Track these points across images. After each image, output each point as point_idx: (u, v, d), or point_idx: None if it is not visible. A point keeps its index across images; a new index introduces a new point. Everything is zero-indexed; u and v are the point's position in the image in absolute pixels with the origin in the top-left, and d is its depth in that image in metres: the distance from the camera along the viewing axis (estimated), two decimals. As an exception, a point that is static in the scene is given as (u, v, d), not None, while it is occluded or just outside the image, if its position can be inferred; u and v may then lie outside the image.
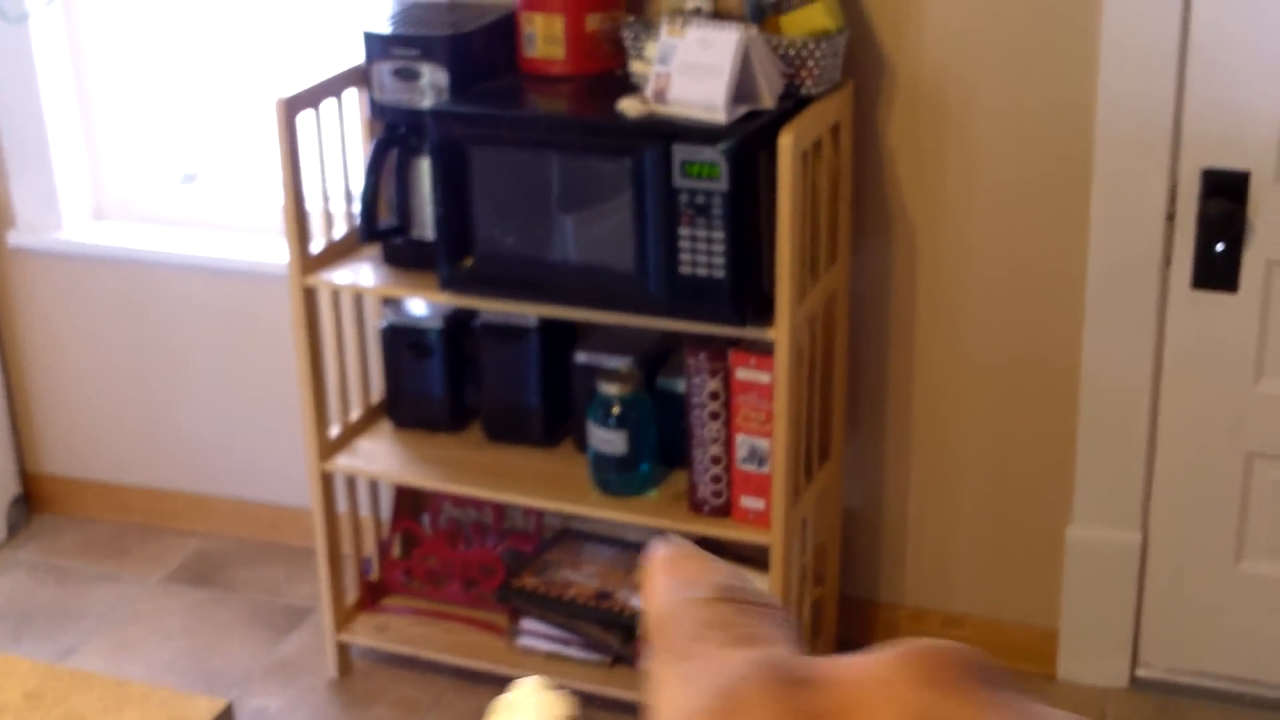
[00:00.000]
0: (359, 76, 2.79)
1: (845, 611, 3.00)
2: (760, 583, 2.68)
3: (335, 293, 2.88)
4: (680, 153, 2.39)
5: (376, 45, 2.69)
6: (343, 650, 3.00)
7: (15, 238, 3.43)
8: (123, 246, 3.36)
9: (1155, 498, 2.75)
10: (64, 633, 3.18)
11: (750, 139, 2.37)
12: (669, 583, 0.65)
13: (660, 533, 2.87)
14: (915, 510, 2.93)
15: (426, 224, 2.73)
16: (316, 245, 2.78)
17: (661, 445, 2.72)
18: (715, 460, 2.58)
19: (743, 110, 2.41)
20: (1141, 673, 2.87)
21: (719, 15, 2.53)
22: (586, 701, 2.86)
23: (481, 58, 2.70)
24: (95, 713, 1.30)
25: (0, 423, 3.55)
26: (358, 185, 2.77)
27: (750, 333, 2.47)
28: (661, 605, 0.63)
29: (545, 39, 2.65)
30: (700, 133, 2.38)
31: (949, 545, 2.94)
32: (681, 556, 0.68)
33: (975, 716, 0.46)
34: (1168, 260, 2.60)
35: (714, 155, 2.36)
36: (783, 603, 0.61)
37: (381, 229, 2.75)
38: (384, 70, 2.69)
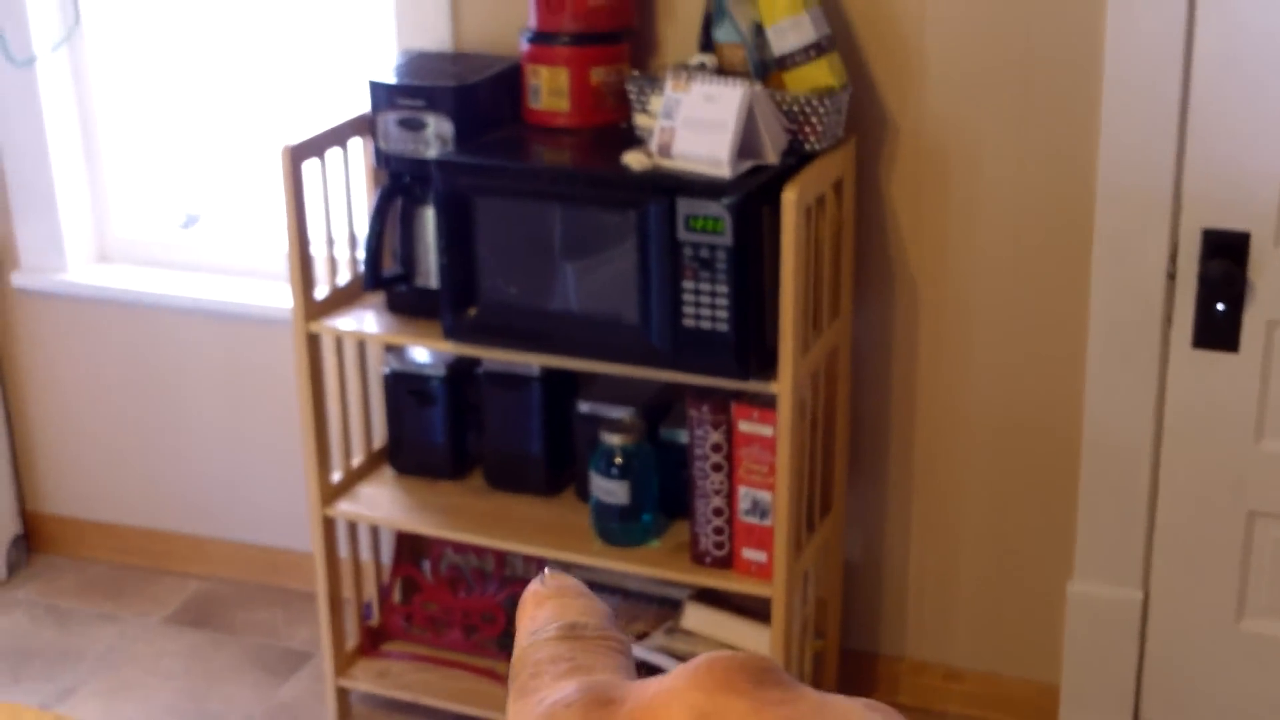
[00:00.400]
0: (364, 125, 2.80)
1: (846, 664, 2.99)
2: (763, 635, 2.68)
3: (339, 339, 2.88)
4: (685, 207, 2.40)
5: (382, 95, 2.71)
6: (342, 695, 3.00)
7: (20, 279, 3.45)
8: (126, 289, 3.37)
9: (1156, 555, 2.75)
10: (63, 673, 3.18)
11: (754, 194, 2.38)
12: (526, 624, 0.69)
13: (665, 581, 2.87)
14: (916, 563, 2.93)
15: (430, 272, 2.74)
16: (320, 292, 2.79)
17: (663, 496, 2.72)
18: (717, 512, 2.59)
19: (747, 165, 2.43)
20: (1142, 729, 2.87)
21: (723, 71, 2.55)
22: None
23: (486, 109, 2.72)
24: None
25: (1, 462, 3.55)
26: (362, 233, 2.78)
27: (753, 386, 2.48)
28: (516, 648, 0.67)
29: (550, 91, 2.66)
30: (704, 187, 2.39)
31: (950, 599, 2.93)
32: (547, 594, 0.71)
33: (750, 710, 0.53)
34: (1169, 319, 2.61)
35: (718, 210, 2.38)
36: (620, 633, 0.65)
37: (385, 277, 2.76)
38: (389, 119, 2.70)
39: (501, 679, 2.91)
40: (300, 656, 3.22)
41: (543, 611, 0.69)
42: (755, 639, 2.72)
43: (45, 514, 3.65)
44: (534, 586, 0.72)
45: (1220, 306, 2.56)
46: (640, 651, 2.77)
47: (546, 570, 0.76)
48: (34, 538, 3.66)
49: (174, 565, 3.54)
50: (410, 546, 3.14)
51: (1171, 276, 2.59)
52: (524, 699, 0.60)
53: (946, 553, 2.91)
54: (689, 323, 2.45)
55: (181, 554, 3.54)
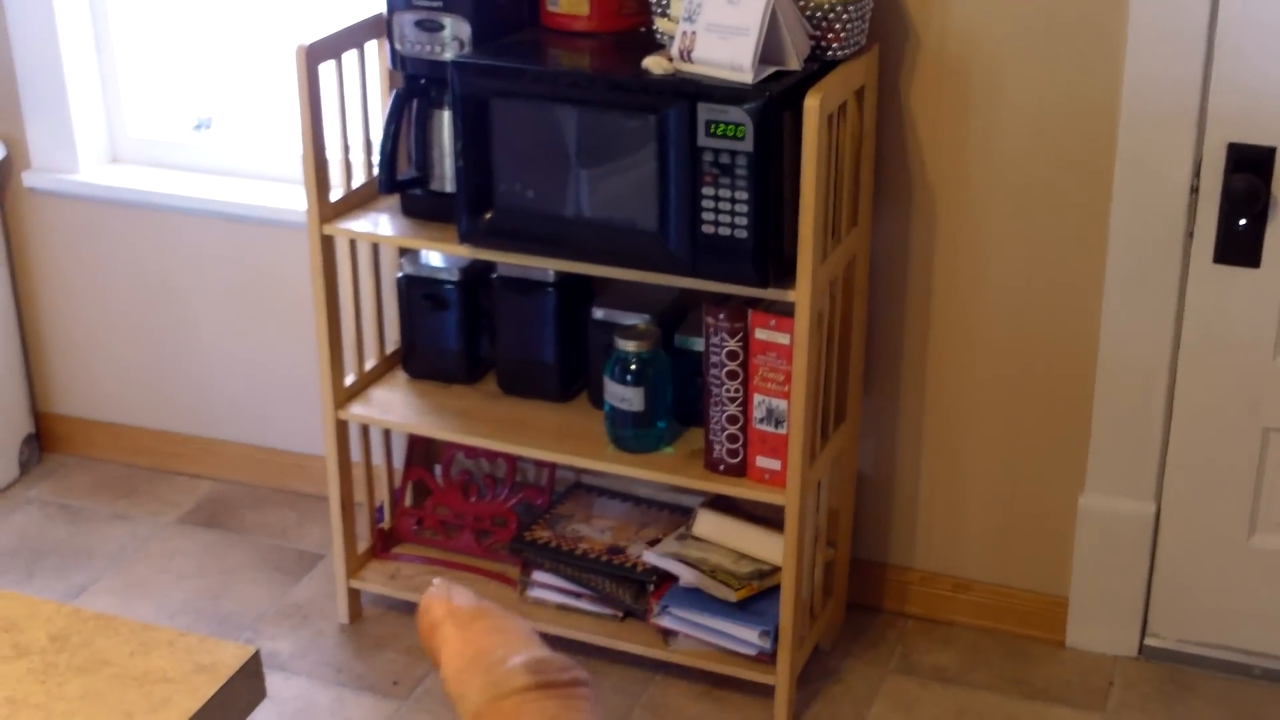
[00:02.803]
0: (381, 26, 2.78)
1: (856, 574, 3.01)
2: (774, 544, 2.69)
3: (353, 242, 2.87)
4: (705, 112, 2.38)
5: (401, -5, 2.68)
6: (354, 596, 3.02)
7: (31, 179, 3.43)
8: (138, 190, 3.35)
9: (1169, 469, 2.76)
10: (75, 571, 3.20)
11: (776, 100, 2.36)
12: (472, 659, 0.68)
13: (676, 488, 2.88)
14: (928, 474, 2.94)
15: (446, 176, 2.73)
16: (335, 194, 2.78)
17: (677, 403, 2.72)
18: (732, 420, 2.59)
19: (769, 71, 2.40)
20: (1150, 642, 2.88)
21: (748, -26, 2.51)
22: (596, 654, 2.87)
23: (504, 11, 2.69)
24: (121, 656, 1.31)
25: (13, 362, 3.55)
26: (377, 136, 2.76)
27: (771, 293, 2.47)
28: (476, 696, 0.66)
29: (571, -7, 2.63)
30: (726, 92, 2.37)
31: (960, 510, 2.94)
32: (468, 616, 0.71)
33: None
34: (1190, 234, 2.60)
35: (739, 115, 2.36)
36: (586, 678, 0.66)
37: (401, 180, 2.75)
38: (406, 21, 2.67)
39: (512, 582, 2.93)
40: (312, 558, 3.24)
41: (473, 638, 0.68)
42: (767, 547, 2.73)
43: (57, 414, 3.66)
44: (434, 600, 0.72)
45: (1242, 222, 2.54)
46: (652, 557, 2.78)
47: (436, 581, 0.77)
48: (46, 437, 3.67)
49: (185, 467, 3.56)
50: (422, 451, 3.15)
51: (1194, 191, 2.57)
52: None
53: (958, 464, 2.91)
54: (707, 229, 2.44)
55: (193, 456, 3.55)
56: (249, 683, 1.31)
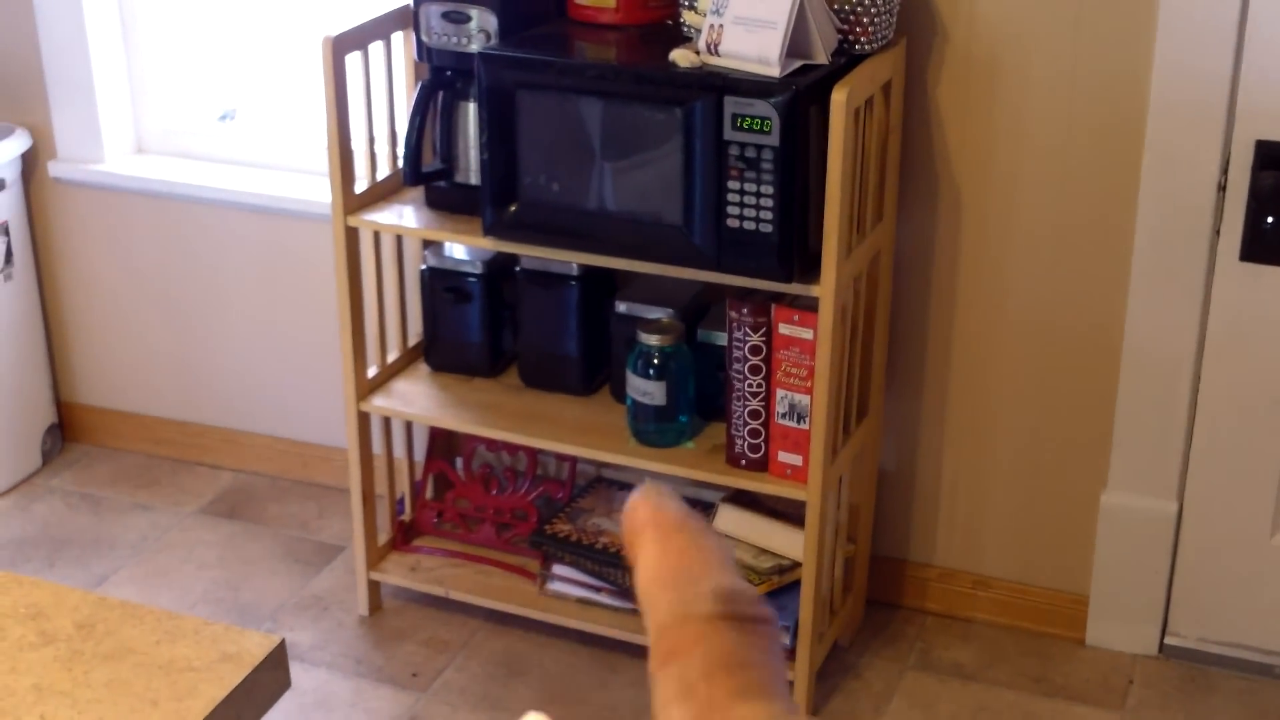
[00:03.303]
0: (407, 18, 2.78)
1: (876, 570, 3.00)
2: (794, 539, 2.69)
3: (376, 234, 2.87)
4: (732, 105, 2.38)
5: (427, -13, 2.68)
6: (374, 588, 3.02)
7: (57, 169, 3.44)
8: (163, 180, 3.36)
9: (1192, 467, 2.75)
10: (97, 560, 3.21)
11: (803, 94, 2.36)
12: (667, 572, 0.67)
13: (697, 484, 2.88)
14: (949, 471, 2.93)
15: (471, 169, 2.73)
16: (360, 186, 2.78)
17: (700, 398, 2.72)
18: (754, 415, 2.58)
19: (796, 64, 2.40)
20: (1171, 641, 2.87)
21: (775, -32, 2.51)
22: (615, 648, 2.87)
23: (531, 3, 2.69)
24: (147, 645, 1.31)
25: (37, 351, 3.56)
26: (402, 128, 2.76)
27: (795, 288, 2.47)
28: (664, 611, 0.66)
29: (597, -14, 2.63)
30: (753, 86, 2.36)
31: (982, 507, 2.94)
32: (669, 525, 0.69)
33: None
34: (1217, 231, 2.59)
35: (766, 109, 2.35)
36: (771, 615, 0.65)
37: (426, 172, 2.75)
38: (432, 12, 2.67)
39: (532, 576, 2.93)
40: (332, 549, 3.24)
41: (672, 550, 0.67)
42: (788, 542, 2.73)
43: (80, 404, 3.67)
44: (642, 502, 0.70)
45: (1270, 220, 2.53)
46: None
47: (647, 481, 0.75)
48: (69, 427, 3.68)
49: (207, 458, 3.56)
50: (444, 443, 3.15)
51: (1222, 188, 2.56)
52: (688, 702, 0.59)
53: (980, 461, 2.90)
54: (732, 223, 2.44)
55: (215, 447, 3.56)
56: (274, 672, 1.31)
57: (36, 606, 1.36)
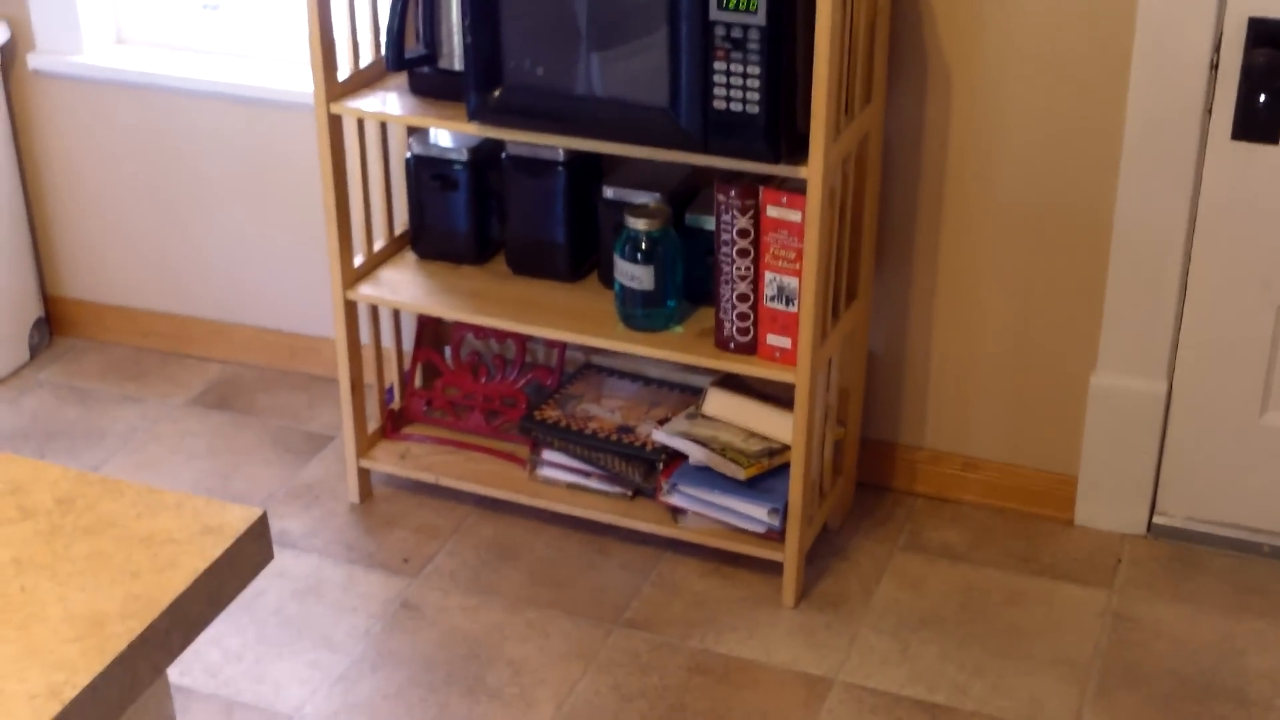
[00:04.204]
0: (389, -102, 2.73)
1: (865, 453, 3.01)
2: (784, 422, 2.69)
3: (360, 122, 2.84)
4: (717, -16, 2.34)
5: None
6: (364, 476, 3.03)
7: (35, 60, 3.39)
8: (144, 72, 3.32)
9: (1182, 348, 2.75)
10: (87, 451, 3.21)
11: (789, -29, 2.32)
12: None
13: (686, 369, 2.88)
14: (939, 354, 2.93)
15: (455, 53, 2.69)
16: (342, 74, 2.75)
17: (688, 282, 2.71)
18: (743, 298, 2.57)
19: (782, -59, 2.36)
20: (1159, 520, 2.89)
21: None
22: (606, 532, 2.89)
23: (514, -118, 2.64)
24: (128, 519, 1.31)
25: (22, 245, 3.54)
26: (385, 13, 2.72)
27: (783, 170, 2.45)
28: None
29: None
30: (738, -37, 2.33)
31: (971, 389, 2.94)
32: None
33: None
34: (1209, 110, 2.56)
35: (752, -14, 2.31)
36: None
37: (409, 58, 2.71)
38: (414, -108, 2.62)
39: (521, 462, 2.94)
40: (322, 439, 3.24)
41: None
42: (777, 425, 2.73)
43: (66, 297, 3.65)
44: None
45: (1263, 97, 2.50)
46: (662, 436, 2.78)
47: None
48: (55, 321, 3.67)
49: (195, 350, 3.56)
50: (431, 332, 3.15)
51: (1214, 66, 2.53)
52: None
53: (969, 344, 2.90)
54: (719, 105, 2.41)
55: (202, 339, 3.55)
56: (256, 544, 1.31)
57: (15, 482, 1.36)
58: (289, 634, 2.70)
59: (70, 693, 1.10)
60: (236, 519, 1.31)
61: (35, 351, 3.59)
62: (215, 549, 1.27)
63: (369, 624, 2.72)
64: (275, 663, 2.64)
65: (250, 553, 1.30)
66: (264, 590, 2.80)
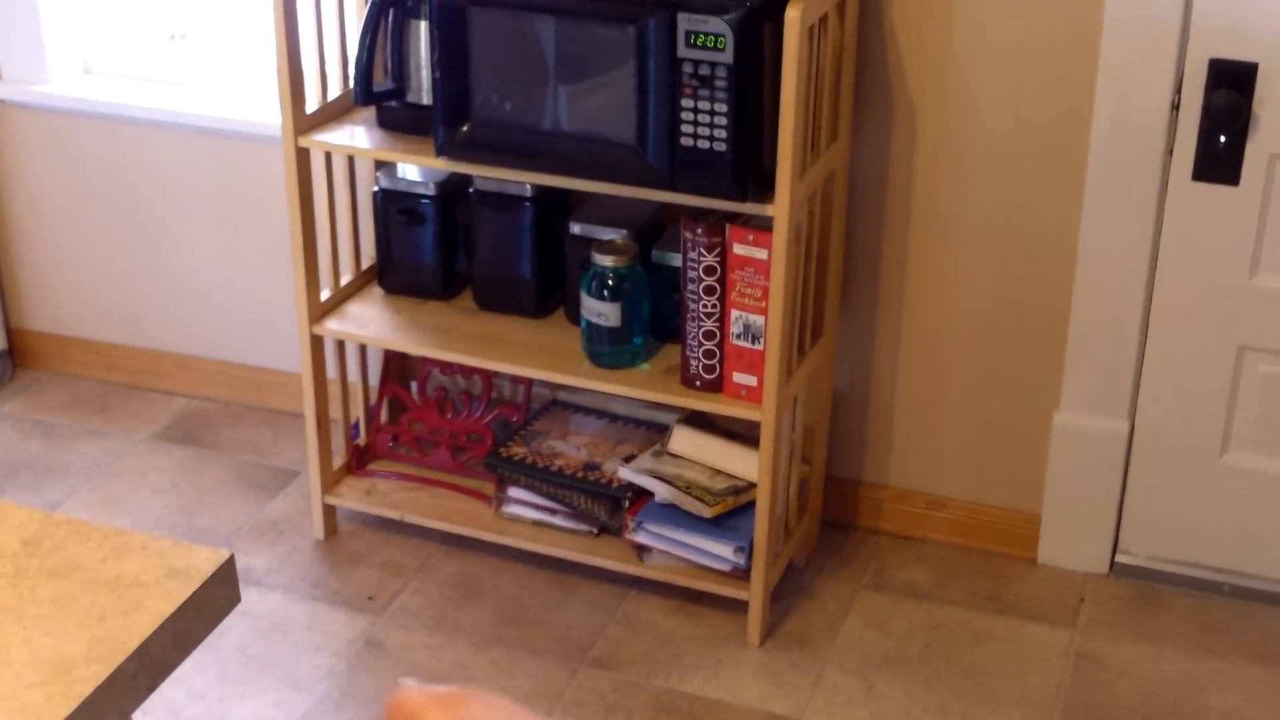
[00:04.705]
0: (358, -66, 2.74)
1: (830, 491, 3.02)
2: (749, 460, 2.69)
3: (329, 156, 2.84)
4: (685, 22, 2.35)
5: (376, -98, 2.63)
6: (329, 512, 3.02)
7: (2, 91, 3.38)
8: (111, 102, 3.31)
9: (1144, 387, 2.77)
10: (50, 487, 3.19)
11: (757, 11, 2.34)
12: None
13: (652, 406, 2.88)
14: (903, 392, 2.94)
15: (423, 88, 2.70)
16: (310, 107, 2.75)
17: (654, 319, 2.71)
18: (709, 335, 2.58)
19: (750, -18, 2.37)
20: (1122, 559, 2.90)
21: (728, -117, 2.48)
22: (571, 570, 2.88)
23: (483, -81, 2.65)
24: (94, 561, 1.30)
25: (-15, 276, 3.52)
26: (353, 47, 2.72)
27: (750, 208, 2.46)
28: None
29: (550, -99, 2.59)
30: (706, 3, 2.34)
31: (935, 428, 2.95)
32: (456, 699, 0.72)
33: None
34: (1170, 151, 2.59)
35: (720, 25, 2.33)
36: None
37: (377, 92, 2.71)
38: (383, -71, 2.63)
39: (487, 499, 2.93)
40: (287, 474, 3.23)
41: (472, 717, 0.69)
42: (742, 463, 2.73)
43: (30, 330, 3.63)
44: (414, 691, 0.73)
45: (1223, 138, 2.53)
46: (627, 473, 2.78)
47: (403, 680, 0.78)
48: (19, 354, 3.64)
49: (160, 384, 3.54)
50: (398, 367, 3.14)
51: (1175, 107, 2.56)
52: None
53: (934, 381, 2.91)
54: (686, 142, 2.42)
55: (167, 373, 3.53)
56: (223, 588, 1.30)
57: (-19, 523, 1.35)
58: (252, 672, 2.69)
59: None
60: (203, 561, 1.31)
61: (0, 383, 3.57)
62: (182, 592, 1.27)
63: (333, 662, 2.71)
64: (239, 702, 2.62)
65: (217, 596, 1.30)
66: (228, 628, 2.77)
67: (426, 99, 2.67)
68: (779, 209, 2.43)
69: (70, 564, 1.31)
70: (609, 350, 2.68)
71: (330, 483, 2.99)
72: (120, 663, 1.18)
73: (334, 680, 2.66)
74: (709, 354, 2.59)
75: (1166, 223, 2.64)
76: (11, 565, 1.30)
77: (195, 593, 1.27)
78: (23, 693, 1.14)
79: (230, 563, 1.30)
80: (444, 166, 2.65)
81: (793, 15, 2.31)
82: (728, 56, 2.34)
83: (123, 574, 1.29)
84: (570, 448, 2.91)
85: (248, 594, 2.85)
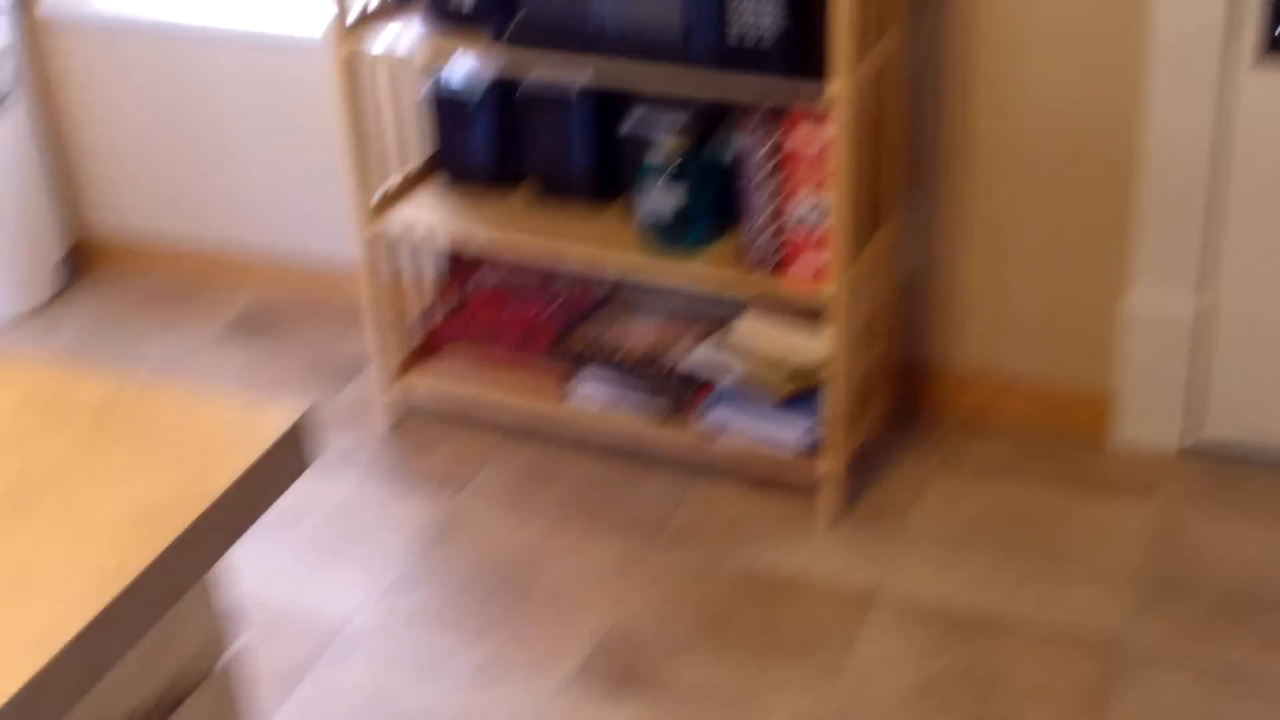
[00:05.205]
0: None
1: (900, 374, 2.99)
2: (817, 344, 2.67)
3: (379, 56, 2.82)
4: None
5: None
6: (397, 404, 3.02)
7: (49, 5, 3.38)
8: (156, 20, 3.30)
9: (1215, 265, 2.71)
10: (121, 384, 3.21)
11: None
12: None
13: (712, 301, 2.86)
14: (972, 272, 2.90)
15: (467, -12, 2.67)
16: (357, 7, 2.73)
17: (716, 207, 2.68)
18: (770, 221, 2.55)
19: None
20: (1195, 439, 2.86)
21: None
22: (639, 457, 2.88)
23: None
24: (170, 418, 1.30)
25: (49, 183, 3.53)
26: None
27: (807, 93, 2.42)
28: None
29: None
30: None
31: (1005, 307, 2.91)
32: None
33: None
34: (1237, 26, 2.52)
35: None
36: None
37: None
38: None
39: (554, 387, 2.93)
40: (354, 367, 3.24)
41: None
42: (809, 347, 2.71)
43: (94, 234, 3.65)
44: None
45: (1299, 4, 2.46)
46: (696, 357, 2.77)
47: None
48: (83, 257, 3.67)
49: (227, 281, 3.55)
50: (460, 261, 3.13)
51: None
52: None
53: (1002, 261, 2.87)
54: (741, 30, 2.38)
55: (231, 272, 3.54)
56: (303, 438, 1.30)
57: (55, 388, 1.35)
58: (330, 553, 2.71)
59: (125, 578, 1.10)
60: (281, 413, 1.30)
61: (64, 287, 3.59)
62: (261, 445, 1.26)
63: (409, 543, 2.73)
64: (318, 583, 2.65)
65: (296, 447, 1.30)
66: (303, 512, 2.80)
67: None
68: (839, 91, 2.39)
69: (147, 420, 1.31)
70: (671, 238, 2.66)
71: (397, 375, 3.00)
72: (204, 509, 1.18)
73: (412, 560, 2.68)
74: (772, 239, 2.56)
75: (1237, 99, 2.57)
76: (87, 425, 1.31)
77: (274, 444, 1.27)
78: (104, 542, 1.15)
79: (310, 413, 1.30)
80: (495, 60, 2.62)
81: (858, -119, 2.26)
82: (788, -67, 2.30)
83: (199, 430, 1.29)
84: (635, 336, 2.90)
85: (320, 481, 2.87)
